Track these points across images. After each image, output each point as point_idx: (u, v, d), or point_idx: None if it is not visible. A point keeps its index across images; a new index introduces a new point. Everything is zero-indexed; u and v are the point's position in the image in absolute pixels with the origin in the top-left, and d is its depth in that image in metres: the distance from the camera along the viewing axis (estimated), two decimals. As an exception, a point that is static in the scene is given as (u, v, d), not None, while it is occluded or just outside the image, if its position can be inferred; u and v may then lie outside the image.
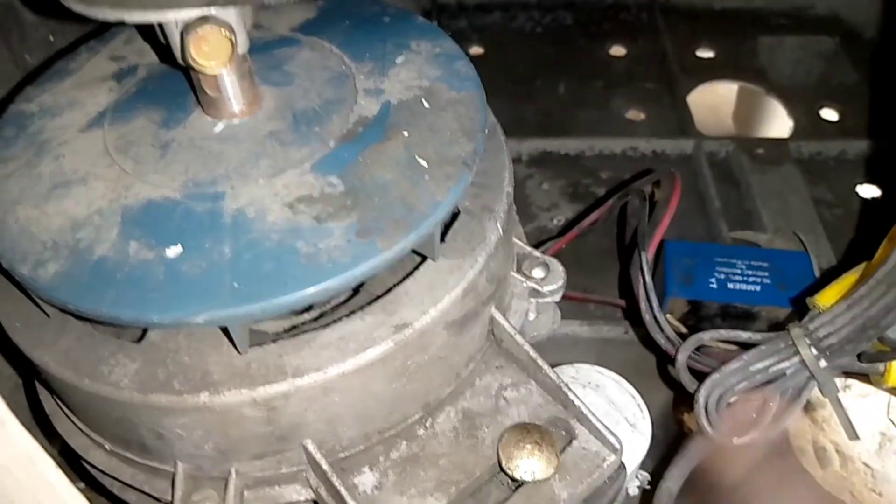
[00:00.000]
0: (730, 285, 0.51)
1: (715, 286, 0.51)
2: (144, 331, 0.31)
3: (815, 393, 0.42)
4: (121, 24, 0.29)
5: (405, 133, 0.33)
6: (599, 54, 0.81)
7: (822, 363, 0.34)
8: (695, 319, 0.51)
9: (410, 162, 0.32)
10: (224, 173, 0.31)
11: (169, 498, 0.32)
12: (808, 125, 0.74)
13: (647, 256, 0.40)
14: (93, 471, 0.35)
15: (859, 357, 0.34)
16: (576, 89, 0.77)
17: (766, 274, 0.52)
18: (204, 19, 0.27)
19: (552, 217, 0.66)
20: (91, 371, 0.29)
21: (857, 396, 0.46)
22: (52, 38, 0.51)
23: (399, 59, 0.36)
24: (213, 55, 0.27)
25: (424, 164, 0.32)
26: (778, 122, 0.76)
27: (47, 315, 0.31)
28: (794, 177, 0.66)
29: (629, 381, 0.42)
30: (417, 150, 0.32)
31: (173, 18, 0.27)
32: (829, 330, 0.33)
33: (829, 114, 0.75)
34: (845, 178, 0.68)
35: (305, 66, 0.36)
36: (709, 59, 0.80)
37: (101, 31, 0.40)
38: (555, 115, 0.75)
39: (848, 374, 0.37)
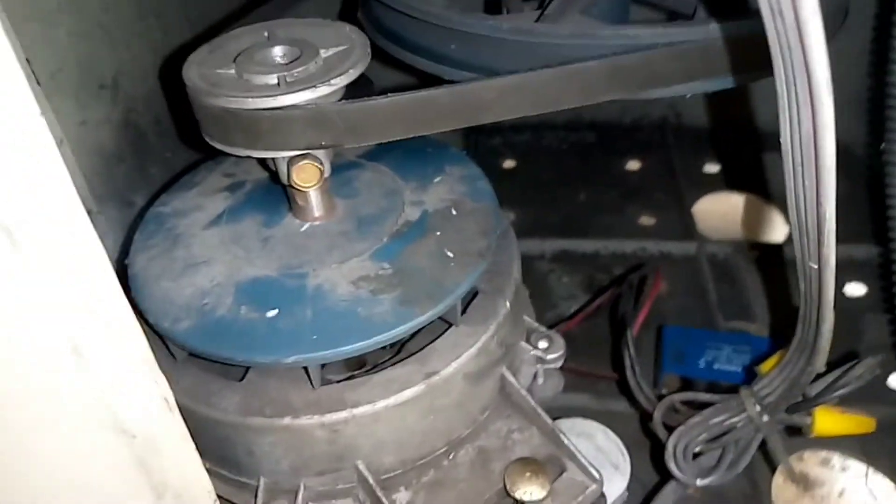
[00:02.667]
0: (716, 366, 0.60)
1: (703, 366, 0.60)
2: (245, 373, 0.42)
3: (816, 472, 0.50)
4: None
5: (438, 233, 0.45)
6: (617, 168, 0.93)
7: (765, 418, 0.42)
8: (687, 394, 0.59)
9: (441, 254, 0.43)
10: (308, 260, 0.43)
11: (251, 507, 0.42)
12: (801, 231, 0.83)
13: (632, 333, 0.50)
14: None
15: (787, 411, 0.42)
16: (595, 198, 0.89)
17: (749, 357, 0.60)
18: (304, 155, 0.39)
19: (570, 306, 0.75)
20: (206, 401, 0.40)
21: (853, 477, 0.53)
22: (169, 156, 0.65)
23: (436, 179, 0.48)
24: (308, 180, 0.40)
25: (451, 255, 0.43)
26: (777, 228, 0.86)
27: (175, 359, 0.42)
28: (785, 277, 0.75)
29: (628, 448, 0.51)
30: (446, 245, 0.44)
31: (283, 156, 0.40)
32: (768, 391, 0.42)
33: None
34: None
35: (367, 183, 0.48)
36: (715, 173, 0.91)
37: (215, 153, 0.53)
38: (575, 220, 0.86)
39: (788, 429, 0.45)
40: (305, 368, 0.39)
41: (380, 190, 0.48)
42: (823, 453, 0.49)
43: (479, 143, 0.99)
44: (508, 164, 0.96)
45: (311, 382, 0.39)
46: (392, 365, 0.41)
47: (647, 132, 0.98)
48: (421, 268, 0.42)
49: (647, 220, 0.85)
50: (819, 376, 0.41)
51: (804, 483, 0.48)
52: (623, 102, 0.97)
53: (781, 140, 0.31)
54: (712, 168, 0.91)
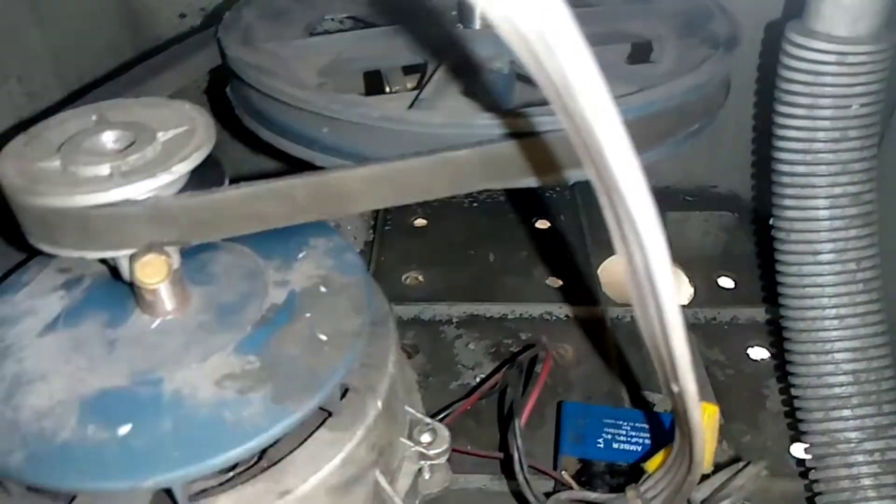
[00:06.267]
0: (615, 445, 0.58)
1: (602, 446, 0.58)
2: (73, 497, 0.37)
3: None
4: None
5: (307, 315, 0.41)
6: (526, 227, 0.92)
7: (652, 522, 0.40)
8: (587, 476, 0.57)
9: (312, 338, 0.40)
10: (162, 362, 0.39)
11: None
12: (706, 292, 0.83)
13: (520, 423, 0.48)
14: None
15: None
16: (504, 258, 0.87)
17: (648, 435, 0.59)
18: (147, 247, 0.36)
19: (475, 375, 0.73)
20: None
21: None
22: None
23: (300, 255, 0.45)
24: (154, 275, 0.36)
25: (324, 338, 0.40)
26: (681, 290, 0.86)
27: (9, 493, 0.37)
28: (690, 340, 0.74)
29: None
30: (318, 328, 0.41)
31: (122, 255, 0.36)
32: (654, 493, 0.40)
33: (726, 282, 0.85)
34: (737, 342, 0.76)
35: (225, 266, 0.44)
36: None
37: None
38: (484, 282, 0.84)
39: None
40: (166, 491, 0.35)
41: (239, 272, 0.44)
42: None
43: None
44: (420, 222, 0.94)
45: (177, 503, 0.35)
46: (245, 477, 0.37)
47: (558, 189, 0.97)
48: (292, 357, 0.39)
49: (554, 282, 0.83)
50: (705, 477, 0.39)
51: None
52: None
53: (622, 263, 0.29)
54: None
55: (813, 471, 0.54)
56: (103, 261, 0.43)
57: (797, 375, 0.55)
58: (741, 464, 0.41)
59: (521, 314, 0.79)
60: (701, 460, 0.34)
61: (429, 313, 0.80)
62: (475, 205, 0.96)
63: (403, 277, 0.85)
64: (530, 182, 0.39)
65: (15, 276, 0.46)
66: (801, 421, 0.55)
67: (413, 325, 0.79)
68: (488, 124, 0.39)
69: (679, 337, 0.27)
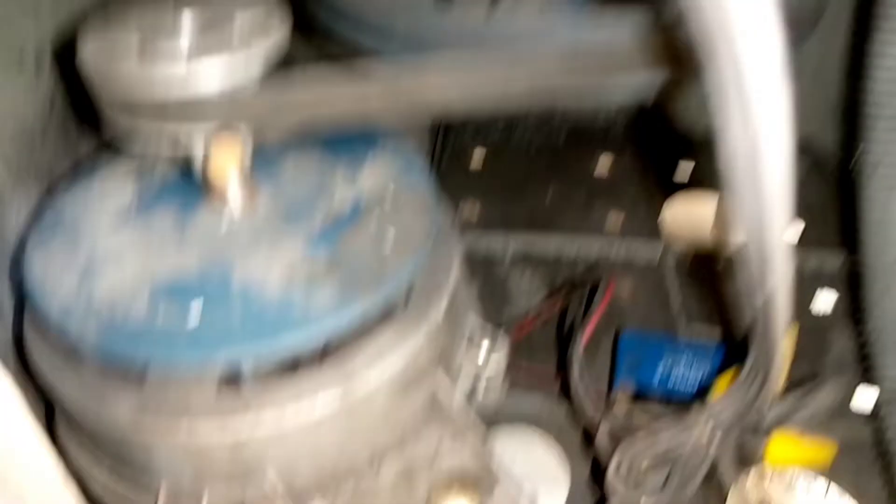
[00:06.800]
0: (673, 376, 0.57)
1: (660, 377, 0.57)
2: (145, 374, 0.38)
3: (775, 496, 0.46)
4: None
5: (376, 214, 0.41)
6: (587, 166, 0.90)
7: (717, 440, 0.39)
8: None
9: (381, 236, 0.40)
10: (231, 252, 0.39)
11: (153, 511, 0.38)
12: (772, 238, 0.80)
13: (581, 340, 0.47)
14: (94, 486, 0.41)
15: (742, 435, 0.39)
16: (562, 195, 0.85)
17: (708, 368, 0.57)
18: (222, 126, 0.35)
19: (529, 305, 0.72)
20: (103, 401, 0.36)
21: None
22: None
23: (370, 156, 0.45)
24: (227, 156, 0.36)
25: (392, 237, 0.40)
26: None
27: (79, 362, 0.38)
28: (754, 283, 0.72)
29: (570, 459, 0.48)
30: (386, 227, 0.40)
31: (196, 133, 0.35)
32: (722, 411, 0.39)
33: (795, 227, 0.82)
34: (803, 287, 0.74)
35: (294, 163, 0.44)
36: (687, 173, 0.88)
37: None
38: (540, 217, 0.83)
39: (740, 456, 0.42)
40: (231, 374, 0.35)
41: (308, 171, 0.44)
42: (783, 474, 0.45)
43: (447, 142, 0.95)
44: (476, 162, 0.93)
45: (243, 383, 0.36)
46: (309, 369, 0.37)
47: (620, 129, 0.95)
48: (360, 252, 0.39)
49: (614, 220, 0.82)
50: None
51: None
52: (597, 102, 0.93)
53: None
54: (686, 166, 0.88)
55: (884, 414, 0.52)
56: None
57: (872, 316, 0.53)
58: (819, 380, 0.39)
59: (578, 249, 0.78)
60: (779, 374, 0.33)
61: (484, 244, 0.79)
62: (535, 146, 0.94)
63: (459, 209, 0.84)
64: (619, 78, 0.37)
65: (88, 163, 0.47)
66: (874, 364, 0.53)
67: (467, 255, 0.78)
68: (568, 25, 0.37)
69: (780, 224, 0.26)
